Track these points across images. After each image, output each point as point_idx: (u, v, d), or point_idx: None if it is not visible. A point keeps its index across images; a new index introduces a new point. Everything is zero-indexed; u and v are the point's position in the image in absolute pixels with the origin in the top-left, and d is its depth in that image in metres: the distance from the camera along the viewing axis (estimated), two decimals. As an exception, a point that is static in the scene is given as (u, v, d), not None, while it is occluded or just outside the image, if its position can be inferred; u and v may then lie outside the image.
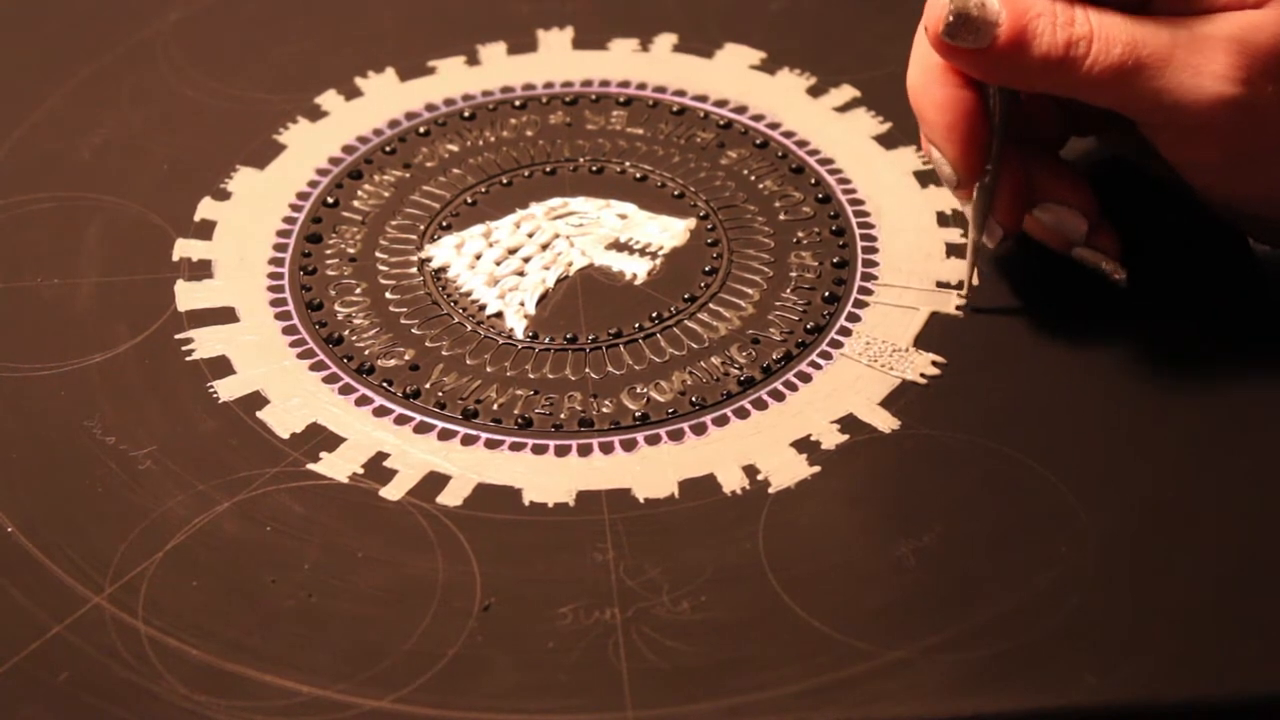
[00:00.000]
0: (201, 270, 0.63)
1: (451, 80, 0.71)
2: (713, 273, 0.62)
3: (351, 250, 0.63)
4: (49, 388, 0.58)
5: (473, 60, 0.72)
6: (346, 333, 0.60)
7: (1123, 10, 0.54)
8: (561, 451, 0.56)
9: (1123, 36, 0.53)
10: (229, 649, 0.50)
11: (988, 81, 0.55)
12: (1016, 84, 0.55)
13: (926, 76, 0.56)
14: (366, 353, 0.59)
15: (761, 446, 0.55)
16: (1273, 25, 0.52)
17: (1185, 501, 0.53)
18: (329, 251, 0.63)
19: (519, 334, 0.60)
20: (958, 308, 0.59)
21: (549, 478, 0.55)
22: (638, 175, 0.66)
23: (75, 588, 0.51)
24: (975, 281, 0.60)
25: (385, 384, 0.58)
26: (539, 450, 0.56)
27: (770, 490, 0.54)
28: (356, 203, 0.66)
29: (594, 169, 0.67)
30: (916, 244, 0.62)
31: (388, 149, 0.68)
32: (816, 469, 0.54)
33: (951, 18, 0.53)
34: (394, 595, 0.51)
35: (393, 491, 0.54)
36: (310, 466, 0.55)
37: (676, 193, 0.65)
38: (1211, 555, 0.51)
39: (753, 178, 0.66)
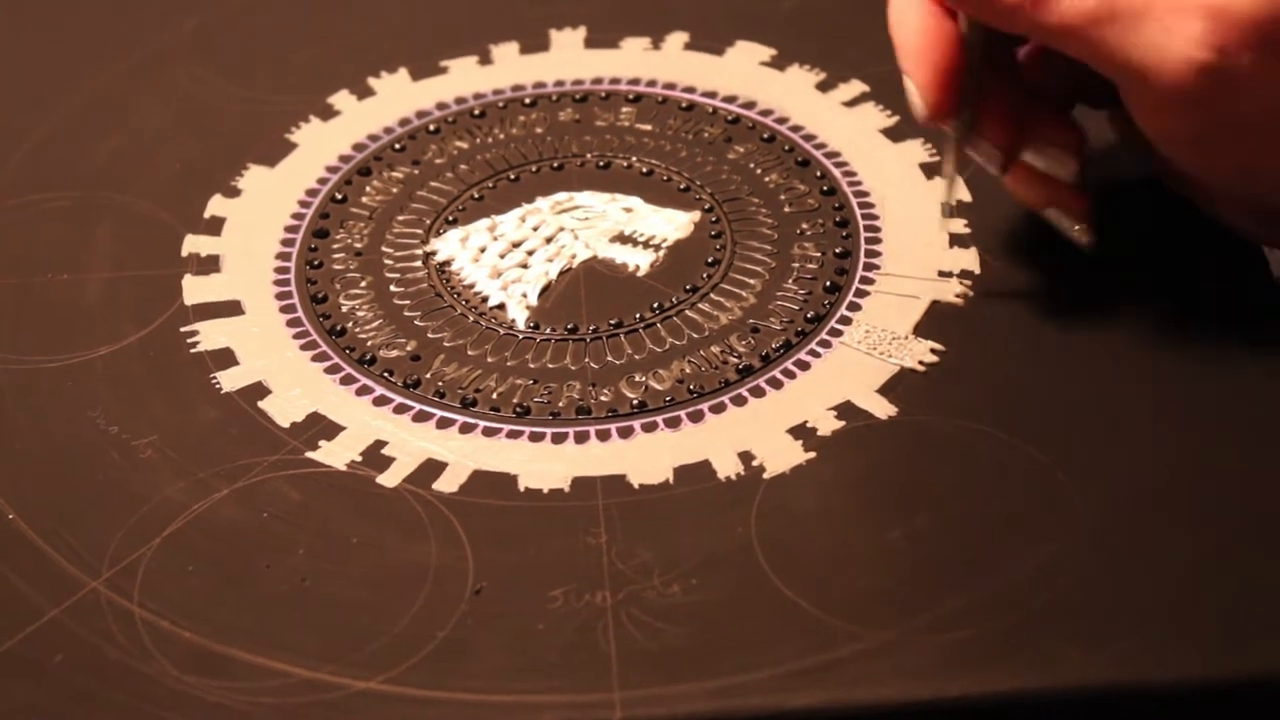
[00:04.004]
0: (209, 265, 0.63)
1: (463, 79, 0.72)
2: (715, 263, 0.62)
3: (358, 245, 0.64)
4: (56, 379, 0.59)
5: (485, 60, 0.73)
6: (349, 324, 0.60)
7: None
8: (558, 439, 0.56)
9: None
10: (221, 632, 0.50)
11: (962, 11, 0.55)
12: (989, 18, 0.54)
13: (905, 3, 0.56)
14: (369, 344, 0.60)
15: (758, 433, 0.55)
16: None
17: (1178, 486, 0.52)
18: (335, 246, 0.64)
19: (520, 324, 0.60)
20: (956, 295, 0.59)
21: (545, 464, 0.55)
22: (644, 170, 0.66)
23: (73, 572, 0.52)
24: (952, 278, 0.60)
25: (386, 374, 0.58)
26: (536, 438, 0.56)
27: (765, 476, 0.54)
28: (364, 199, 0.66)
29: (601, 164, 0.67)
30: (919, 234, 0.62)
31: (397, 146, 0.68)
32: (812, 455, 0.54)
33: None
34: (386, 580, 0.51)
35: (389, 478, 0.55)
36: (309, 454, 0.56)
37: (682, 186, 0.65)
38: (1202, 538, 0.51)
39: (759, 171, 0.66)
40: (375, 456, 0.55)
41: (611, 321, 0.60)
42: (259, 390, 0.58)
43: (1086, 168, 0.58)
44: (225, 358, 0.59)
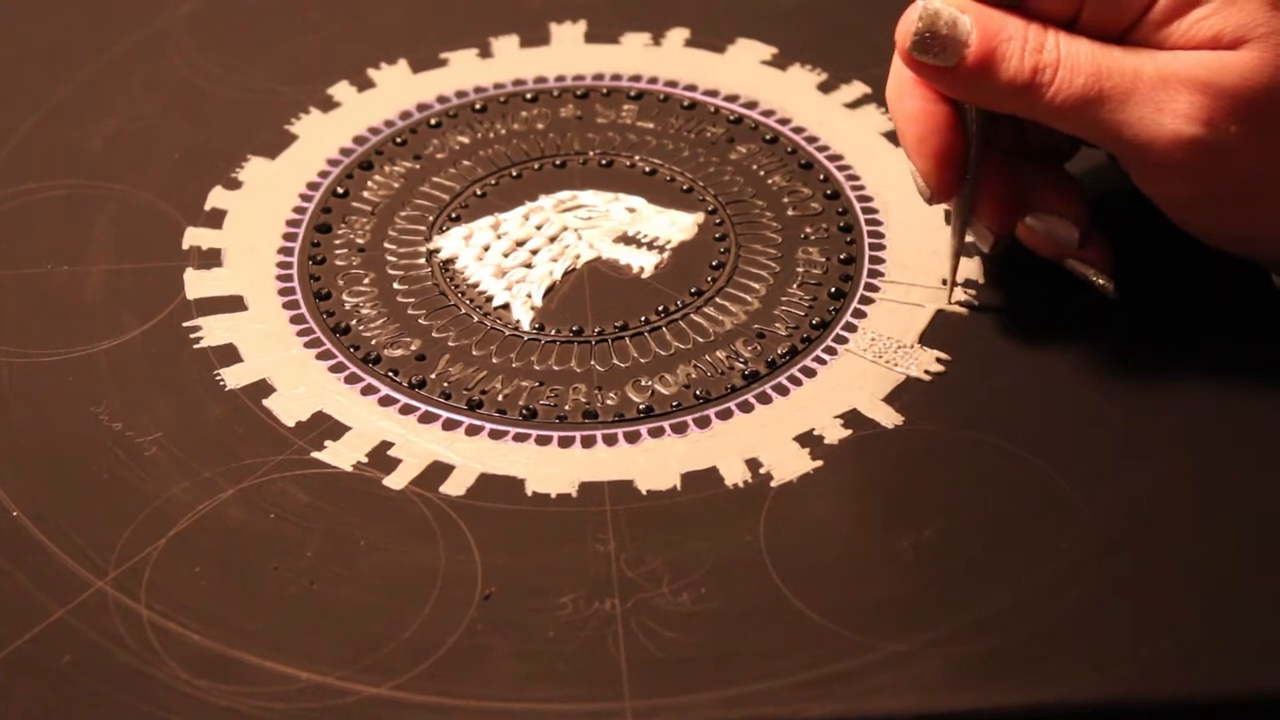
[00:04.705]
0: (211, 259, 0.63)
1: (463, 72, 0.71)
2: (720, 267, 0.62)
3: (360, 240, 0.64)
4: (57, 373, 0.58)
5: (485, 53, 0.73)
6: (354, 322, 0.60)
7: (1097, 39, 0.53)
8: (565, 443, 0.56)
9: (1088, 66, 0.53)
10: (230, 635, 0.50)
11: (955, 98, 0.56)
12: (981, 104, 0.55)
13: (901, 88, 0.56)
14: (373, 342, 0.59)
15: (764, 440, 0.55)
16: (1241, 67, 0.52)
17: (1186, 498, 0.53)
18: (338, 241, 0.64)
19: (525, 325, 0.60)
20: (959, 302, 0.60)
21: (552, 468, 0.55)
22: (647, 169, 0.66)
23: (79, 572, 0.52)
24: (957, 287, 0.60)
25: (391, 374, 0.58)
26: (543, 441, 0.56)
27: (772, 484, 0.54)
28: (366, 193, 0.66)
29: (604, 162, 0.67)
30: (923, 241, 0.62)
31: (398, 140, 0.68)
32: (819, 463, 0.55)
33: (917, 35, 0.53)
34: (395, 584, 0.51)
35: (396, 480, 0.55)
36: (315, 455, 0.55)
37: (685, 187, 0.65)
38: (1211, 552, 0.51)
39: (762, 173, 0.66)
40: (381, 458, 0.55)
41: (617, 324, 0.60)
42: (263, 388, 0.58)
43: (1091, 229, 0.58)
44: (228, 354, 0.59)
